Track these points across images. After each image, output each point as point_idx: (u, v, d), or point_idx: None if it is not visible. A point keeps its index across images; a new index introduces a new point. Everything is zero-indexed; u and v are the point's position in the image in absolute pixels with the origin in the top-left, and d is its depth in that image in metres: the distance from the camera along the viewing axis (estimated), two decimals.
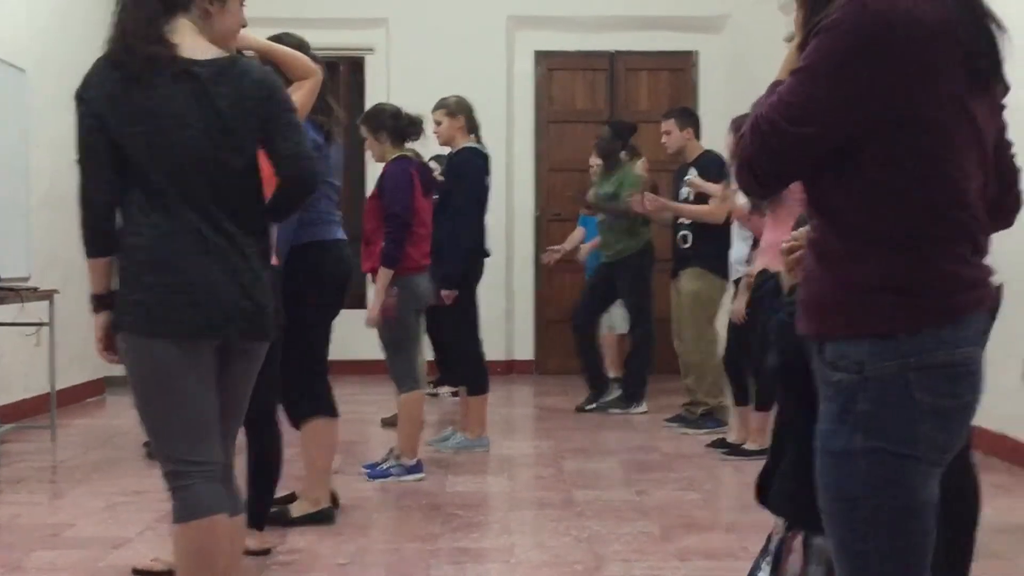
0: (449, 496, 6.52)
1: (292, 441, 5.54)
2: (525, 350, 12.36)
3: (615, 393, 9.70)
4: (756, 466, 7.31)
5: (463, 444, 7.85)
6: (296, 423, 5.72)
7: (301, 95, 4.80)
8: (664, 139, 8.78)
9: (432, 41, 11.94)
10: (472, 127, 7.75)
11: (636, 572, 5.03)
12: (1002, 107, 2.52)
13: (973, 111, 2.39)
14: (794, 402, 3.71)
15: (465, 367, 7.89)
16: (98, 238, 3.56)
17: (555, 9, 12.22)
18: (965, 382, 2.40)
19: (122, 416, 9.03)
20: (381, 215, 6.77)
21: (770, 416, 7.24)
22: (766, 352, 4.16)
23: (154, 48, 3.45)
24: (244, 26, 3.88)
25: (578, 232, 10.59)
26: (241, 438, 4.03)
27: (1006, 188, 2.58)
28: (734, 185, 6.83)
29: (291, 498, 5.83)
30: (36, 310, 8.54)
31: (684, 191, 8.58)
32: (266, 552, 5.19)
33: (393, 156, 6.91)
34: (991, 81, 2.44)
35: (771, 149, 2.39)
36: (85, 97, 3.50)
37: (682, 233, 8.58)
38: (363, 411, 9.27)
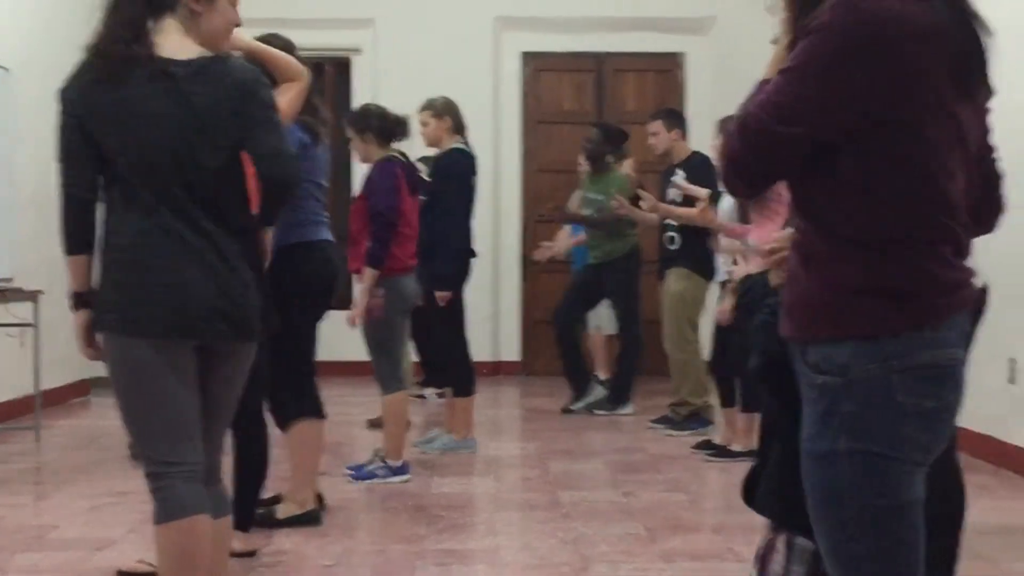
0: (435, 497, 6.51)
1: (278, 442, 5.53)
2: (512, 351, 12.36)
3: (598, 392, 9.71)
4: (742, 467, 7.32)
5: (449, 445, 7.84)
6: (282, 424, 5.71)
7: (289, 97, 4.80)
8: (651, 140, 8.79)
9: (419, 42, 11.94)
10: (459, 128, 7.74)
11: (622, 573, 5.03)
12: (986, 111, 2.53)
13: (958, 114, 2.40)
14: (778, 403, 3.71)
15: (452, 368, 7.88)
16: (77, 236, 3.59)
17: (542, 10, 12.22)
18: (948, 383, 2.41)
19: (107, 417, 8.99)
20: (367, 216, 6.76)
21: (756, 417, 7.26)
22: (750, 354, 4.16)
23: (131, 48, 3.46)
24: (238, 25, 3.87)
25: (564, 233, 10.58)
26: (227, 439, 4.02)
27: (989, 192, 2.59)
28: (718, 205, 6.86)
29: (277, 500, 5.82)
30: (20, 311, 8.51)
31: (671, 193, 8.58)
32: (252, 554, 5.18)
33: (379, 156, 6.91)
34: (977, 85, 2.44)
35: (758, 148, 2.40)
36: (65, 96, 3.53)
37: (669, 234, 8.59)
38: (349, 412, 9.26)
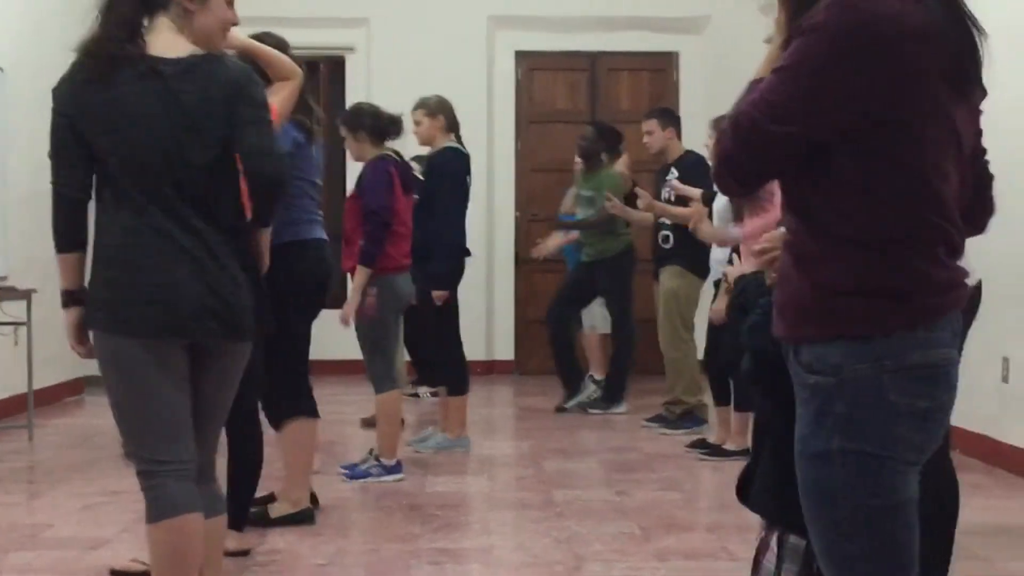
0: (429, 497, 6.51)
1: (270, 441, 5.52)
2: (505, 350, 12.34)
3: (591, 391, 9.71)
4: (736, 466, 7.32)
5: (443, 444, 7.84)
6: (276, 424, 5.70)
7: (283, 96, 4.80)
8: (646, 139, 8.78)
9: (413, 41, 11.92)
10: (452, 127, 7.73)
11: (616, 572, 5.03)
12: (979, 112, 2.53)
13: (953, 115, 2.40)
14: (770, 403, 3.72)
15: (446, 367, 7.87)
16: (67, 234, 3.61)
17: (536, 9, 12.21)
18: (941, 383, 2.41)
19: (100, 416, 8.97)
20: (361, 214, 6.75)
21: (750, 417, 7.26)
22: (740, 354, 4.16)
23: (121, 47, 3.47)
24: (235, 24, 3.86)
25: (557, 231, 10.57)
26: (221, 438, 4.02)
27: (980, 193, 2.59)
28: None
29: (270, 499, 5.81)
30: (14, 309, 8.50)
31: (665, 192, 8.58)
32: (245, 553, 5.17)
33: (373, 155, 6.90)
34: (971, 85, 2.45)
35: (751, 147, 2.40)
36: (57, 95, 3.55)
37: (663, 233, 8.59)
38: (343, 412, 9.24)
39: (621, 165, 9.59)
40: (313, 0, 11.88)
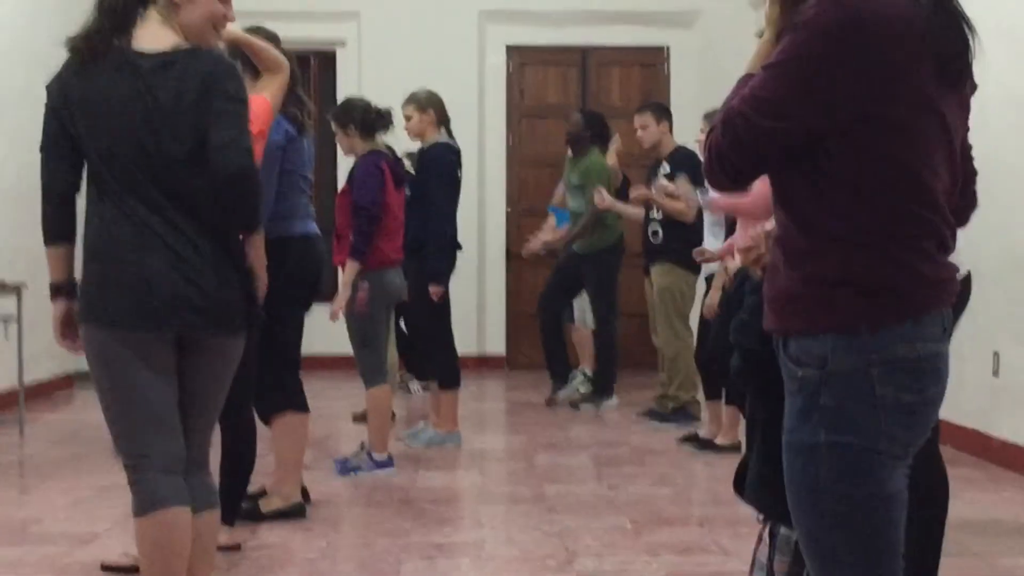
0: (420, 491, 6.50)
1: (262, 436, 5.52)
2: (497, 345, 12.34)
3: (578, 379, 9.71)
4: (727, 461, 7.36)
5: (434, 439, 7.83)
6: (266, 418, 5.70)
7: (274, 89, 4.80)
8: (640, 133, 8.77)
9: (403, 35, 11.91)
10: (443, 121, 7.72)
11: (607, 567, 5.04)
12: (969, 107, 2.53)
13: (943, 111, 2.41)
14: (760, 396, 3.73)
15: (437, 361, 7.87)
16: (55, 227, 3.64)
17: (527, 3, 12.20)
18: (928, 377, 2.42)
19: (91, 411, 8.95)
20: (352, 209, 6.74)
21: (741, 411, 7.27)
22: (727, 348, 4.18)
23: (106, 40, 3.50)
24: (229, 19, 3.84)
25: (549, 224, 10.55)
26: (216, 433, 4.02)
27: (964, 188, 2.60)
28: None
29: (262, 493, 5.81)
30: (3, 304, 8.48)
31: (655, 190, 8.57)
32: (236, 547, 5.17)
33: (364, 150, 6.89)
34: (961, 81, 2.45)
35: (742, 143, 2.40)
36: (48, 88, 3.58)
37: (653, 228, 8.59)
38: (333, 406, 9.24)
39: (612, 158, 9.57)
40: None
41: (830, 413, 2.39)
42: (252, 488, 5.56)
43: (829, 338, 2.38)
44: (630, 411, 9.12)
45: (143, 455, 3.57)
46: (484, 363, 12.08)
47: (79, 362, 9.12)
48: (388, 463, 6.91)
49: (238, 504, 5.28)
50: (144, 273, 3.47)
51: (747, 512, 5.93)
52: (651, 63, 12.49)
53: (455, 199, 7.73)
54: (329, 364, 10.71)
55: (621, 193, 9.28)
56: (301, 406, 5.78)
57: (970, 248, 3.71)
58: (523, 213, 12.22)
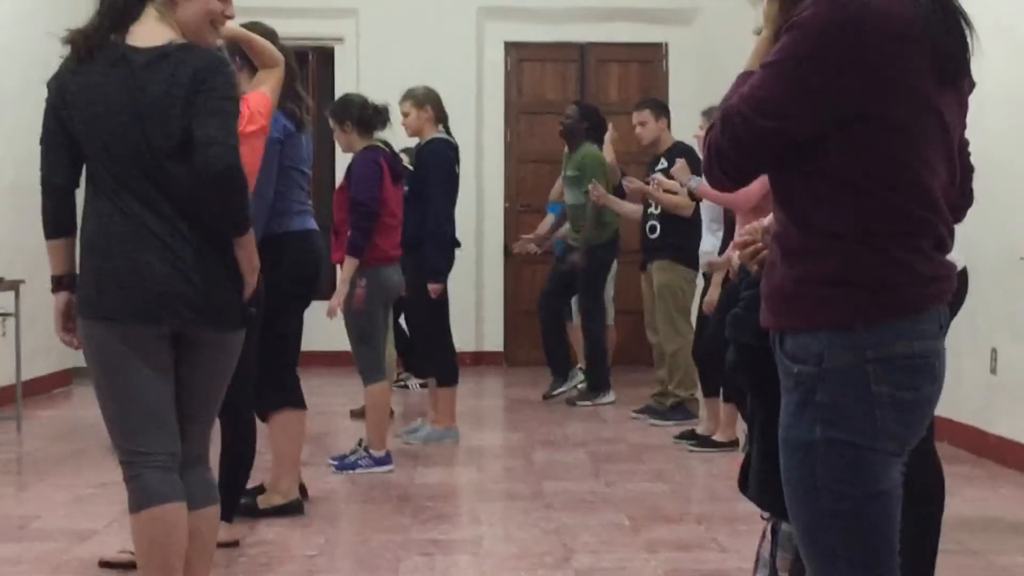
0: (418, 488, 6.50)
1: (260, 432, 5.52)
2: (494, 341, 12.34)
3: (578, 378, 9.71)
4: (725, 458, 7.37)
5: (432, 435, 7.83)
6: (263, 415, 5.69)
7: (272, 84, 4.80)
8: (639, 130, 8.77)
9: (402, 31, 11.90)
10: (440, 117, 7.72)
11: (605, 564, 5.04)
12: (967, 105, 2.53)
13: (941, 109, 2.41)
14: (757, 392, 3.73)
15: (435, 358, 7.87)
16: (54, 221, 3.65)
17: (525, 0, 12.19)
18: (924, 375, 2.42)
19: (89, 407, 8.92)
20: (350, 205, 6.74)
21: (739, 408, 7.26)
22: (722, 344, 4.19)
23: (102, 36, 3.52)
24: (228, 16, 3.84)
25: (546, 222, 10.57)
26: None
27: (960, 185, 2.60)
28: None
29: (260, 490, 5.81)
30: (2, 300, 8.48)
31: (652, 185, 8.57)
32: (235, 544, 5.17)
33: (361, 146, 6.89)
34: (959, 78, 2.45)
35: (741, 142, 2.40)
36: (48, 84, 3.61)
37: (650, 224, 8.58)
38: (331, 403, 9.24)
39: (609, 154, 9.57)
40: None
41: (826, 410, 2.40)
42: (250, 484, 5.56)
43: (825, 335, 2.39)
44: (627, 408, 9.12)
45: (139, 452, 3.58)
46: (482, 359, 12.08)
47: (77, 358, 9.11)
48: (386, 460, 6.91)
49: (237, 501, 5.28)
50: (138, 268, 3.48)
51: (745, 509, 5.93)
52: (649, 60, 12.48)
53: (453, 196, 7.72)
54: (327, 360, 10.71)
55: (619, 191, 9.28)
56: (298, 403, 5.78)
57: (968, 245, 3.72)
58: (521, 210, 12.22)
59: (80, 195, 3.65)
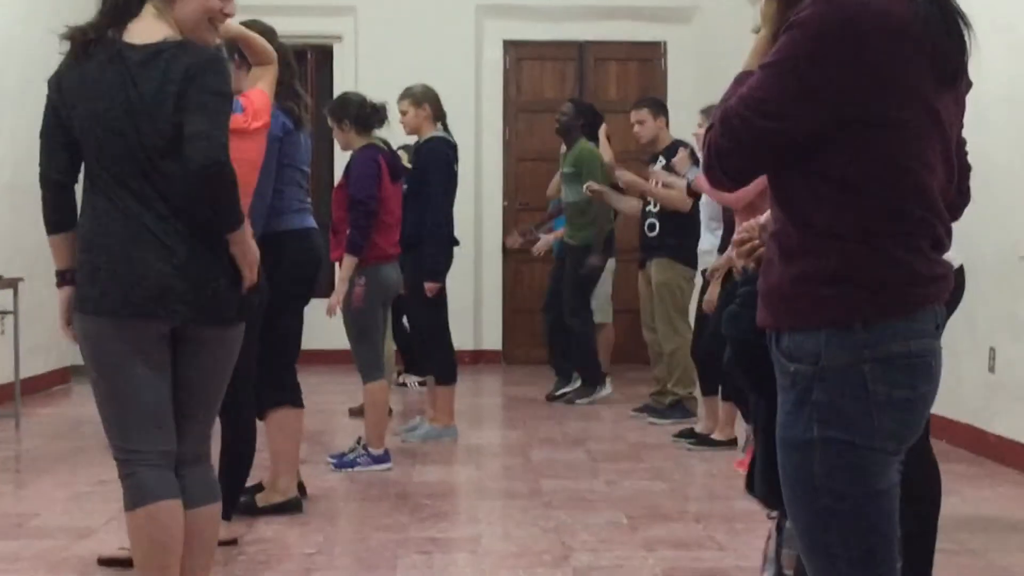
0: (417, 486, 6.51)
1: (258, 431, 5.52)
2: (493, 340, 12.35)
3: (577, 382, 9.71)
4: (724, 457, 7.37)
5: (431, 434, 7.83)
6: (260, 413, 5.69)
7: (269, 81, 4.80)
8: (637, 128, 8.77)
9: (400, 30, 11.90)
10: (438, 115, 7.72)
11: (603, 562, 5.04)
12: (965, 104, 2.53)
13: (939, 109, 2.42)
14: (756, 390, 3.74)
15: (434, 356, 7.87)
16: (53, 215, 3.67)
17: None
18: (921, 374, 2.42)
19: (88, 405, 8.90)
20: (348, 203, 6.74)
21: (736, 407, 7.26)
22: (721, 342, 4.20)
23: (100, 32, 3.53)
24: (228, 15, 3.84)
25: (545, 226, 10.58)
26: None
27: (957, 183, 2.60)
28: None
29: (258, 488, 5.81)
30: (1, 298, 8.47)
31: (652, 181, 8.58)
32: (233, 542, 5.17)
33: (360, 144, 6.89)
34: (957, 78, 2.45)
35: (741, 143, 2.40)
36: (49, 81, 3.62)
37: (649, 222, 8.58)
38: (330, 401, 9.24)
39: (607, 153, 9.56)
40: None
41: (823, 409, 2.40)
42: (249, 482, 5.56)
43: (822, 334, 2.39)
44: (626, 406, 9.12)
45: (134, 450, 3.60)
46: (480, 358, 12.09)
47: (76, 356, 9.12)
48: (385, 458, 6.91)
49: (236, 499, 5.28)
50: (134, 265, 3.48)
51: (743, 507, 5.94)
52: (648, 58, 12.49)
53: (452, 194, 7.73)
54: (326, 359, 10.71)
55: (619, 189, 9.28)
56: (296, 401, 5.78)
57: (967, 245, 3.72)
58: (520, 208, 12.22)
59: (79, 192, 3.66)
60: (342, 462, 6.88)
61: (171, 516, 3.61)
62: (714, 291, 7.26)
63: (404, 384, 10.28)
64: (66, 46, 3.58)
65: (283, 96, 5.39)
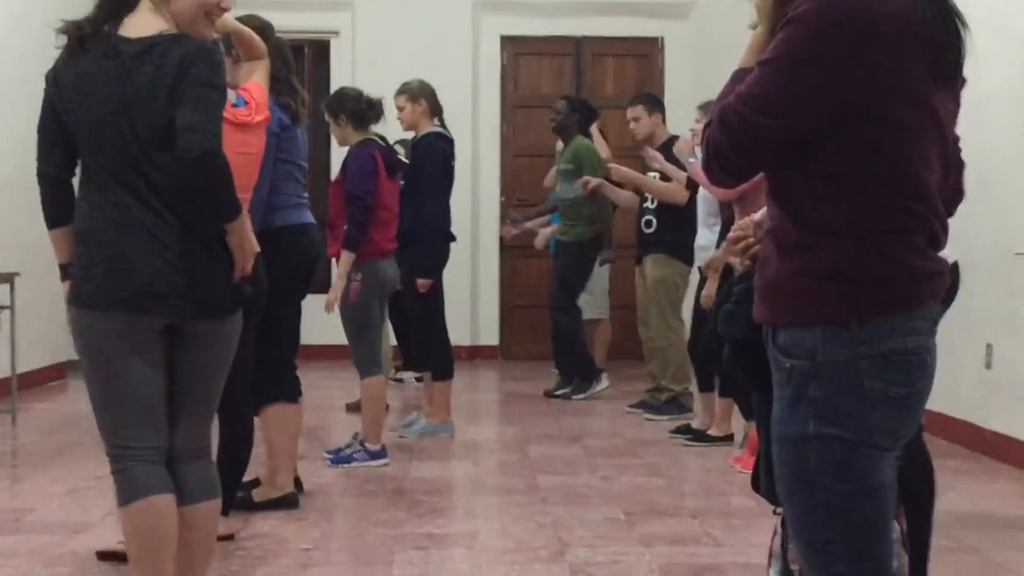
0: (413, 482, 6.51)
1: (256, 426, 5.52)
2: (490, 335, 12.35)
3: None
4: (720, 452, 7.37)
5: (428, 429, 7.84)
6: (256, 409, 5.69)
7: (263, 74, 4.80)
8: (633, 125, 8.76)
9: (397, 25, 11.90)
10: (435, 111, 7.72)
11: (600, 558, 5.04)
12: (960, 101, 2.53)
13: (937, 106, 2.42)
14: (757, 387, 3.74)
15: (430, 352, 7.87)
16: (52, 209, 3.67)
17: None
18: (916, 370, 2.42)
19: (84, 400, 8.85)
20: (345, 199, 6.74)
21: (733, 403, 7.27)
22: (721, 340, 4.20)
23: (95, 26, 3.54)
24: (225, 8, 3.83)
25: (541, 220, 10.58)
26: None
27: (952, 180, 2.60)
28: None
29: (255, 483, 5.81)
30: None
31: (651, 176, 8.58)
32: (230, 537, 5.17)
33: (356, 140, 6.89)
34: (955, 76, 2.45)
35: (738, 140, 2.40)
36: (46, 75, 3.62)
37: (646, 218, 8.58)
38: (327, 396, 9.24)
39: (603, 149, 9.57)
40: None
41: (819, 405, 2.40)
42: (246, 477, 5.56)
43: (819, 330, 2.39)
44: (622, 403, 9.12)
45: (126, 445, 3.61)
46: (477, 353, 12.09)
47: (73, 351, 9.10)
48: (382, 454, 6.91)
49: (233, 495, 5.28)
50: (127, 259, 3.48)
51: (740, 504, 5.95)
52: (645, 54, 12.49)
53: (448, 190, 7.73)
54: (324, 354, 10.71)
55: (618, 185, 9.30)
56: (289, 396, 5.77)
57: (963, 241, 3.72)
58: (517, 203, 12.20)
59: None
60: (339, 458, 6.88)
61: (164, 509, 3.62)
62: (712, 286, 7.25)
63: (400, 380, 10.28)
64: (63, 41, 3.58)
65: (280, 91, 5.38)
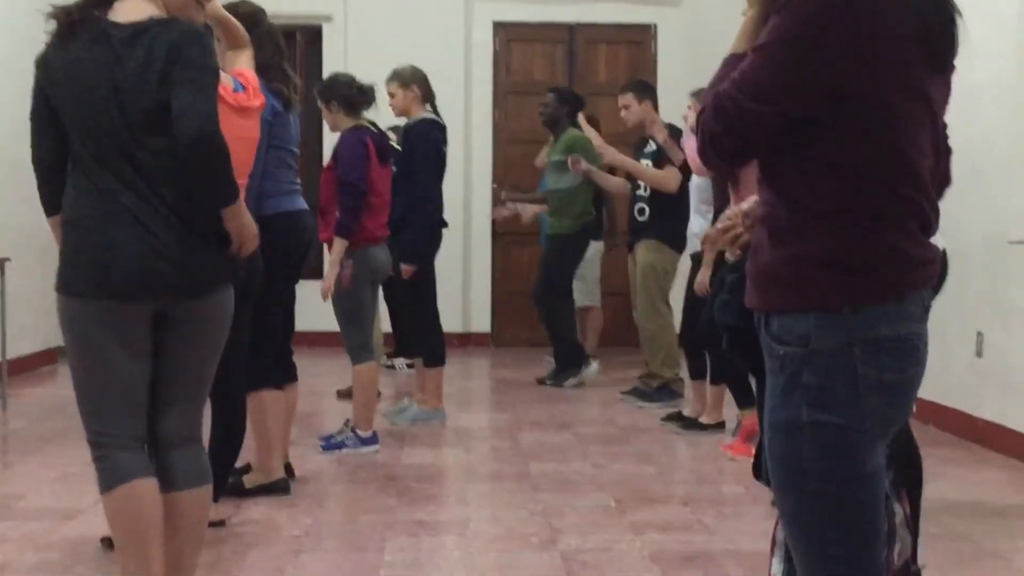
0: (405, 468, 6.51)
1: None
2: (482, 322, 12.34)
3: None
4: (712, 440, 7.38)
5: (419, 416, 7.83)
6: (248, 394, 5.68)
7: (248, 62, 4.78)
8: (623, 112, 8.75)
9: (390, 11, 11.87)
10: (427, 97, 7.70)
11: (591, 545, 5.04)
12: (950, 88, 2.53)
13: (929, 92, 2.42)
14: (757, 375, 3.74)
15: (422, 339, 7.87)
16: (47, 196, 3.68)
17: None
18: (909, 357, 2.42)
19: None
20: (336, 185, 6.72)
21: (726, 390, 7.27)
22: (714, 327, 4.20)
23: (85, 11, 3.53)
24: None
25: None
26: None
27: (940, 166, 2.60)
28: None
29: (246, 469, 5.81)
30: None
31: (643, 164, 8.58)
32: (221, 523, 5.16)
33: (348, 126, 6.87)
34: (947, 63, 2.45)
35: (734, 126, 2.40)
36: (36, 61, 3.61)
37: (639, 206, 8.57)
38: (319, 383, 9.23)
39: (596, 138, 9.55)
40: None
41: (812, 392, 2.40)
42: (237, 463, 5.56)
43: (812, 316, 2.39)
44: (614, 390, 9.12)
45: (105, 432, 3.60)
46: (469, 340, 12.08)
47: (62, 337, 9.08)
48: (373, 440, 6.91)
49: (224, 480, 5.27)
50: (113, 246, 3.47)
51: (731, 491, 5.96)
52: (638, 40, 12.46)
53: (440, 176, 7.72)
54: (316, 340, 10.69)
55: (612, 172, 9.29)
56: (275, 383, 5.75)
57: (955, 229, 3.72)
58: (509, 190, 12.18)
59: None
60: (330, 444, 6.88)
61: (147, 494, 3.61)
62: (705, 274, 7.25)
63: (392, 366, 10.27)
64: (52, 26, 3.56)
65: (272, 77, 5.37)
